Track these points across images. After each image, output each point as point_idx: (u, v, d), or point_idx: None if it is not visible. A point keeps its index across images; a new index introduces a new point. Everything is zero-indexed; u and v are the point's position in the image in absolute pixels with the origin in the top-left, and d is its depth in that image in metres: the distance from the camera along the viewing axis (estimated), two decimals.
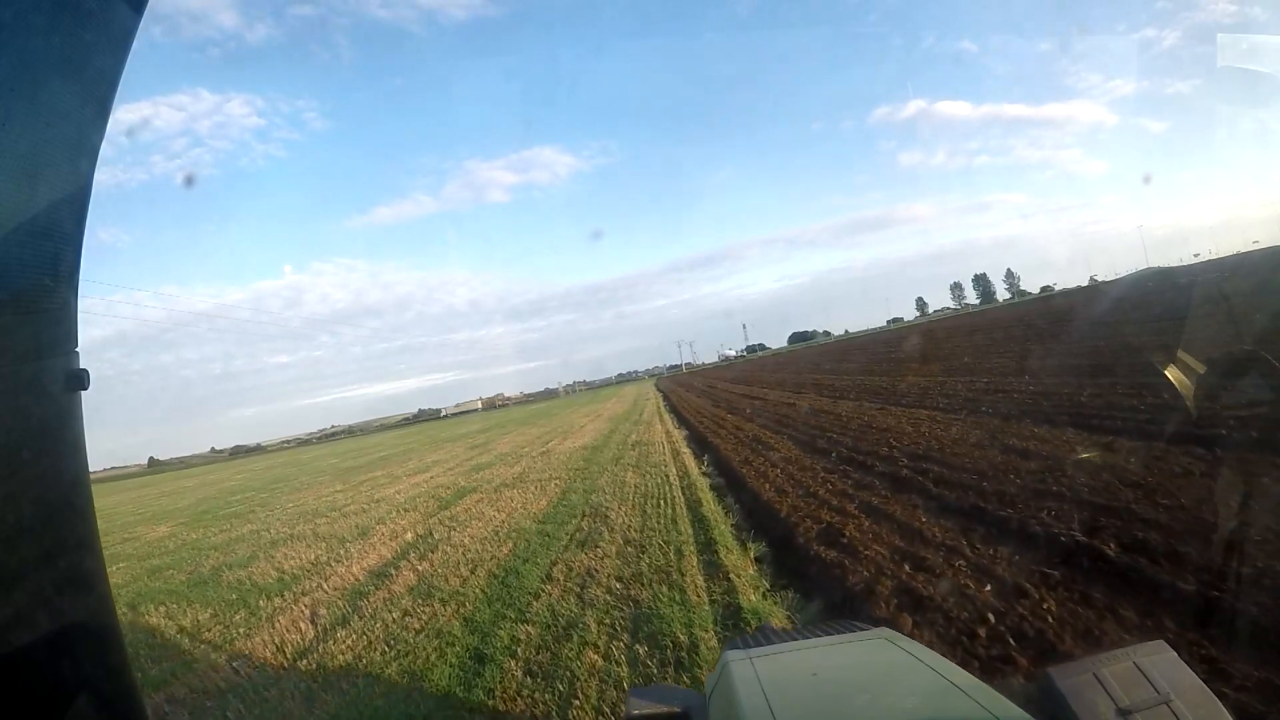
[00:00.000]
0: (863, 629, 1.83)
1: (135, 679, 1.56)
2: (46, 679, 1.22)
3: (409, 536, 10.90)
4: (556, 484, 13.98)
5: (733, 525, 8.69)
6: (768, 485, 10.12)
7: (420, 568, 8.74)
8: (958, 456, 9.35)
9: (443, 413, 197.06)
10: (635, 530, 8.86)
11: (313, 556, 10.67)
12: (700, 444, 17.90)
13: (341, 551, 10.67)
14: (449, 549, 9.52)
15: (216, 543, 14.22)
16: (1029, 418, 11.03)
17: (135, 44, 1.35)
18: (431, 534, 10.85)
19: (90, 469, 1.43)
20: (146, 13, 1.35)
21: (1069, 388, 13.12)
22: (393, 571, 8.76)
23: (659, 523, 9.08)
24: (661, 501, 10.49)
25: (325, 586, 8.59)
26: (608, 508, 10.52)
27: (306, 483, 27.55)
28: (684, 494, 10.93)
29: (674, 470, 13.42)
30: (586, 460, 17.35)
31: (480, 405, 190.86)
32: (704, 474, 13.02)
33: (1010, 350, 25.11)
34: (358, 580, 8.68)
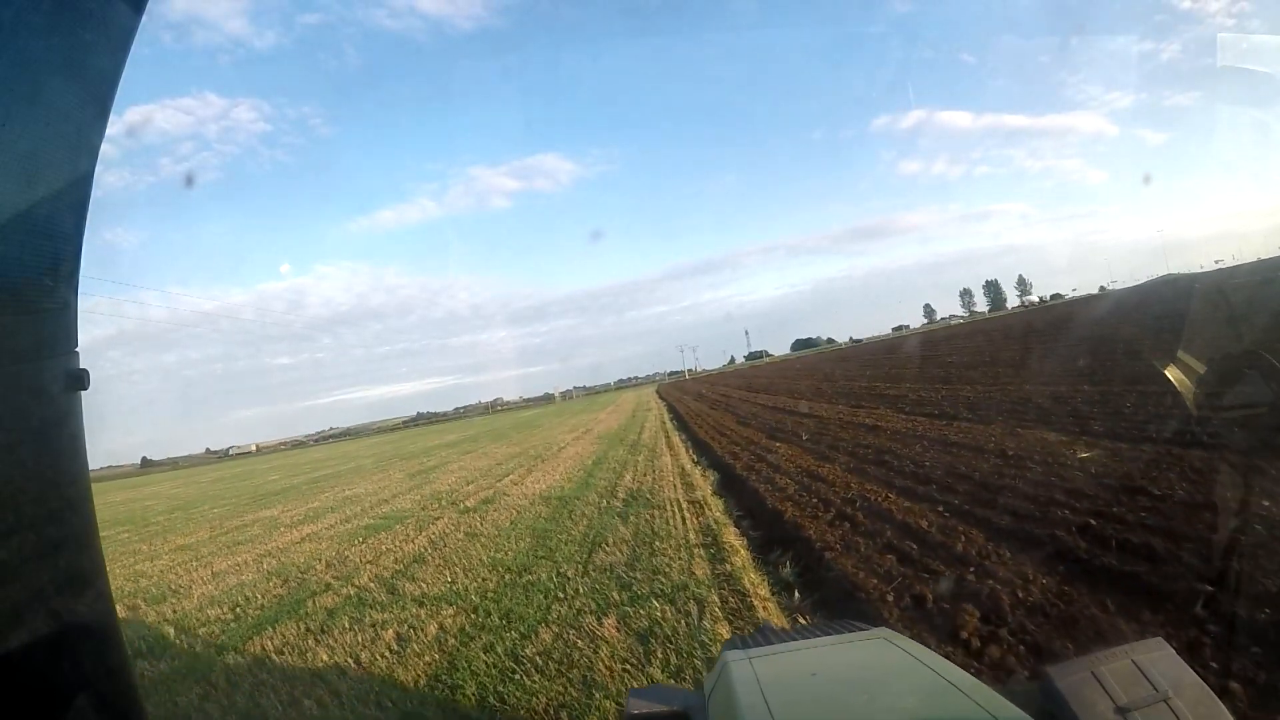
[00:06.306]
0: (862, 629, 1.81)
1: (135, 678, 1.56)
2: (46, 678, 1.23)
3: None
4: (434, 639, 5.97)
5: None
6: None
7: None
8: None
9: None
10: None
11: None
12: (751, 509, 9.19)
13: None
14: None
15: None
16: None
17: (145, 49, 1.36)
18: None
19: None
20: (157, 19, 1.36)
21: None
22: None
23: None
24: None
25: None
26: None
27: (195, 516, 21.29)
28: None
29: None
30: (539, 536, 9.46)
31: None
32: None
33: (1120, 355, 17.44)
34: None
